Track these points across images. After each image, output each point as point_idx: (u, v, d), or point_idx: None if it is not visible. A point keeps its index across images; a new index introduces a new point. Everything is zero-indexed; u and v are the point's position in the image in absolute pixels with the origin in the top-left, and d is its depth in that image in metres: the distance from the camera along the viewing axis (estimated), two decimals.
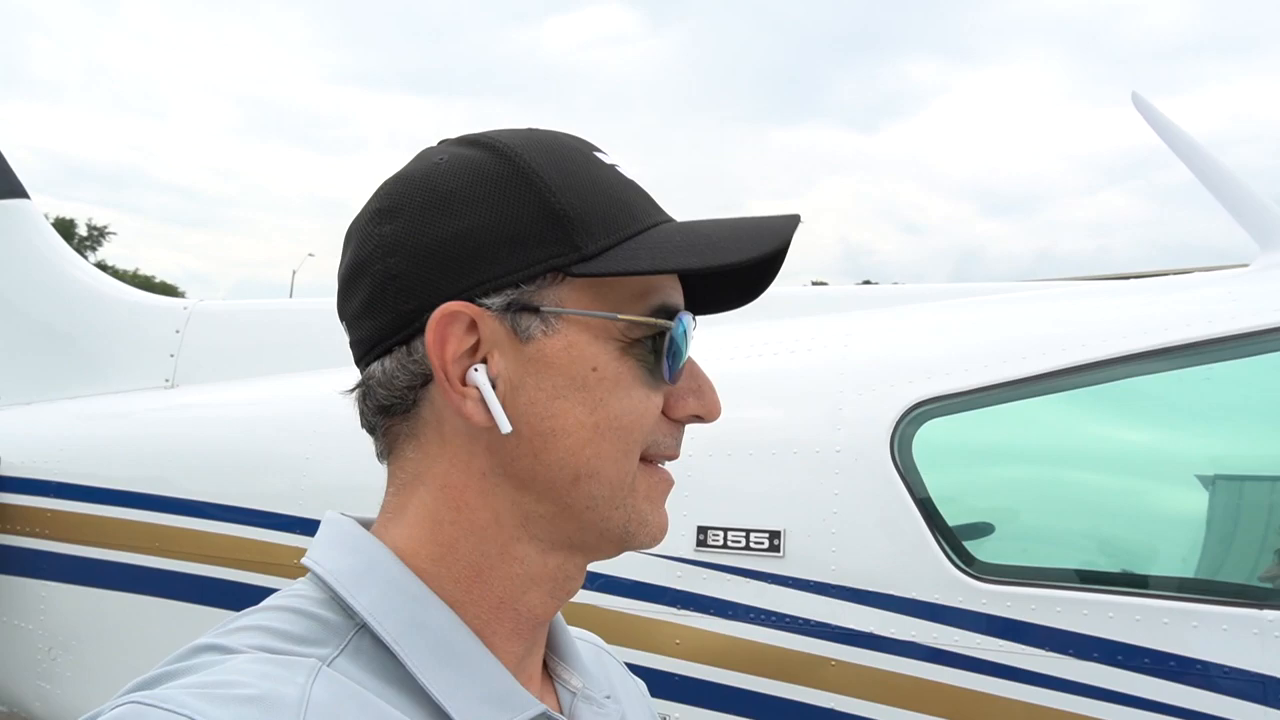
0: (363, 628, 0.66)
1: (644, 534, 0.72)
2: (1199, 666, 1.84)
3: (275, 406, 2.89)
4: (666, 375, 0.71)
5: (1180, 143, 2.51)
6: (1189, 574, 2.19)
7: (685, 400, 0.72)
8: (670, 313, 0.71)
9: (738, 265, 0.67)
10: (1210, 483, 2.23)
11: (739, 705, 2.11)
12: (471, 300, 0.67)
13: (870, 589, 2.05)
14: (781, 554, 2.14)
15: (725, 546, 2.17)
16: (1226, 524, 2.22)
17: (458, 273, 0.67)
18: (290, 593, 0.69)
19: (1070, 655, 1.90)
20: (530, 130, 0.74)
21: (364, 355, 0.72)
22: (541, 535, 0.70)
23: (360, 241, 0.71)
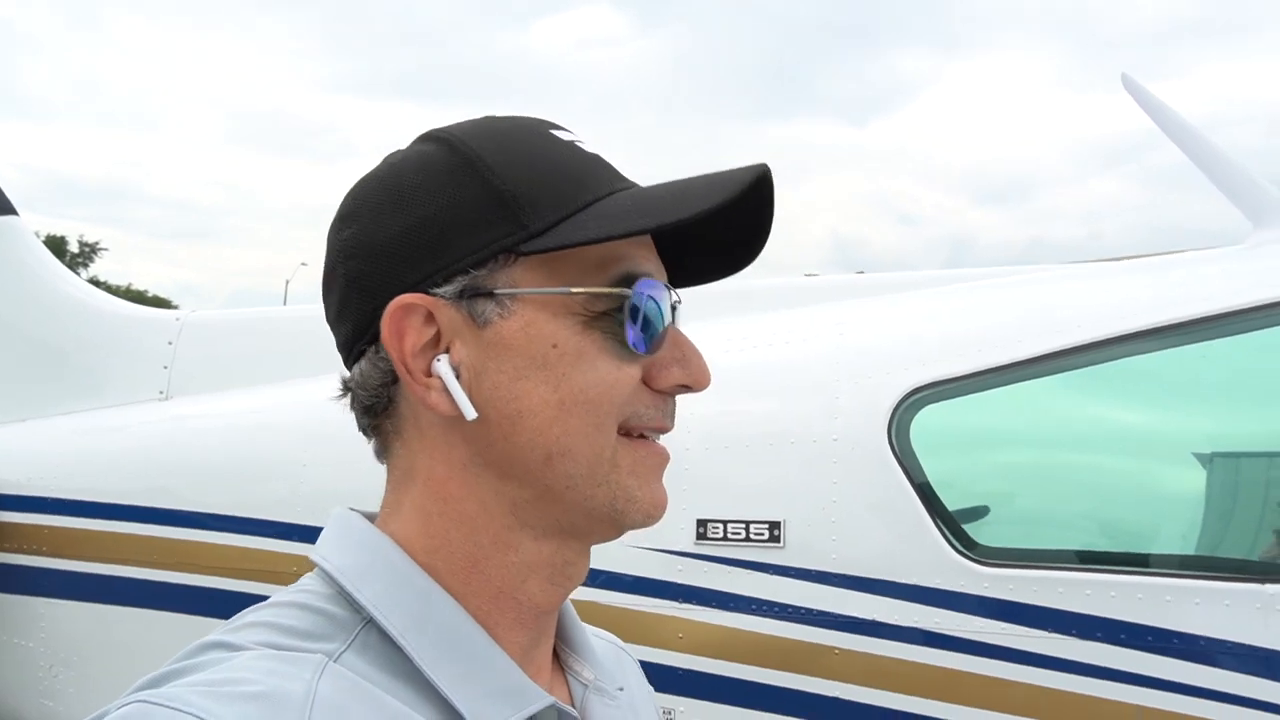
0: (369, 622, 0.65)
1: (634, 511, 0.69)
2: (1202, 643, 1.84)
3: (271, 414, 2.89)
4: (640, 345, 0.69)
5: (1171, 123, 2.51)
6: (1189, 551, 2.20)
7: (669, 370, 0.70)
8: (634, 281, 0.69)
9: (687, 221, 0.65)
10: (1208, 460, 2.23)
11: (744, 697, 2.11)
12: (425, 291, 0.68)
13: (872, 576, 2.05)
14: (782, 544, 2.14)
15: (725, 539, 2.17)
16: (1225, 500, 2.22)
17: (411, 266, 0.68)
18: (297, 588, 0.69)
19: (1074, 636, 1.90)
20: (487, 118, 0.75)
21: (345, 359, 0.74)
22: (532, 522, 0.70)
23: (328, 248, 0.73)
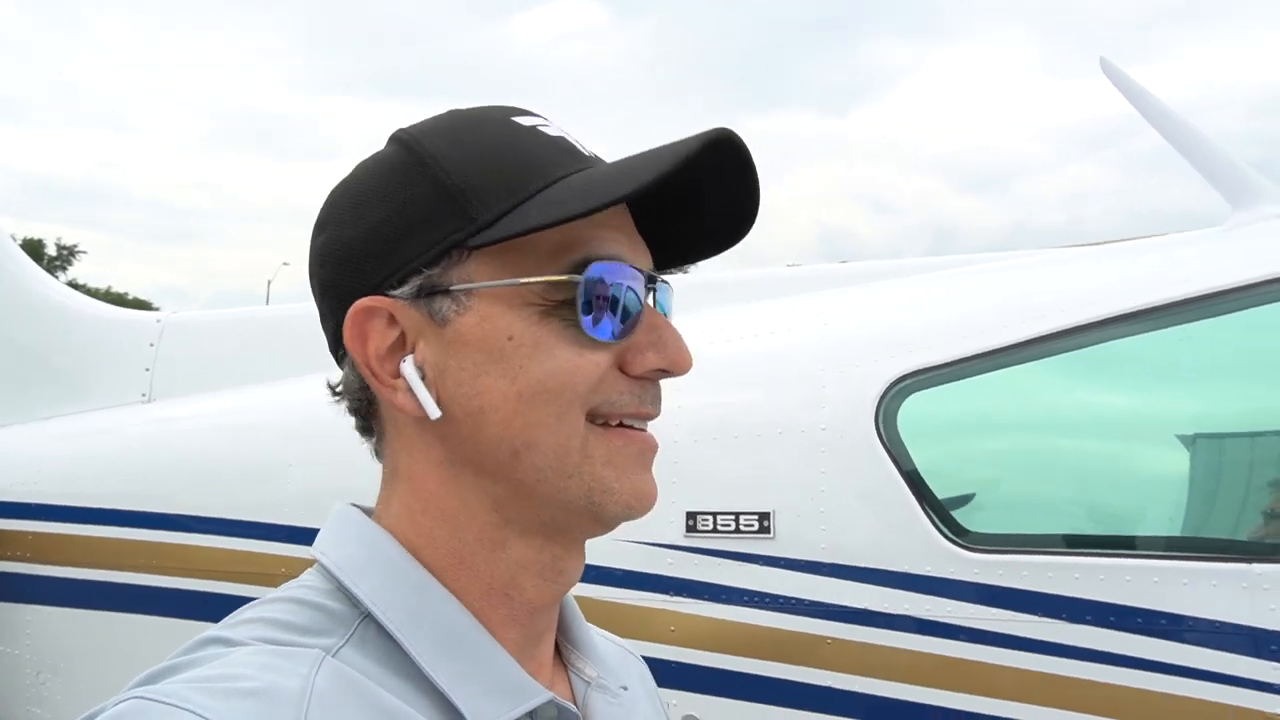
0: (367, 617, 0.66)
1: (611, 503, 0.68)
2: (1190, 623, 1.85)
3: (256, 414, 2.87)
4: (603, 332, 0.67)
5: (1149, 107, 2.52)
6: (1175, 532, 2.21)
7: (644, 354, 0.68)
8: (587, 266, 0.67)
9: (627, 197, 0.63)
10: (1191, 442, 2.25)
11: (736, 689, 2.11)
12: (384, 293, 0.68)
13: (862, 565, 2.06)
14: (772, 535, 2.14)
15: (715, 531, 2.17)
16: (1210, 481, 2.24)
17: (372, 270, 0.69)
18: (297, 583, 0.69)
19: (1063, 619, 1.91)
20: (449, 112, 0.74)
21: (337, 363, 0.75)
22: (514, 518, 0.69)
23: (308, 257, 0.75)
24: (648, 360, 0.68)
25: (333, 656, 0.62)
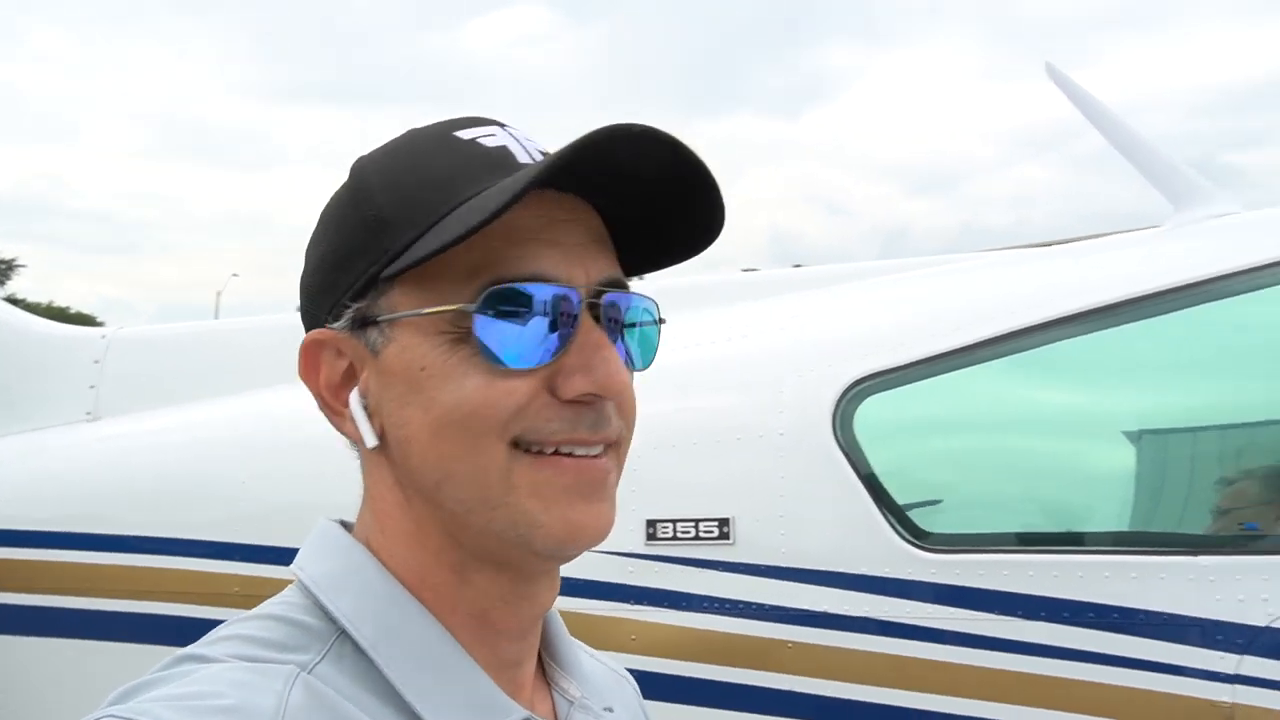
0: (344, 633, 0.65)
1: (539, 537, 0.65)
2: (1141, 616, 1.89)
3: (206, 431, 2.81)
4: (513, 358, 0.64)
5: (1094, 111, 2.58)
6: (1125, 527, 2.26)
7: (572, 378, 0.65)
8: (488, 288, 0.64)
9: (497, 214, 0.61)
10: (1137, 438, 2.30)
11: (699, 696, 2.11)
12: (329, 326, 0.70)
13: (822, 569, 2.07)
14: (732, 541, 2.14)
15: (675, 538, 2.17)
16: (1156, 476, 2.29)
17: (321, 302, 0.71)
18: (276, 600, 0.69)
19: (1019, 616, 1.94)
20: (406, 132, 0.74)
21: None
22: (465, 544, 0.69)
23: None
24: (575, 384, 0.65)
25: (308, 673, 0.61)
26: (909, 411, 2.28)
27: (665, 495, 2.21)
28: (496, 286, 0.64)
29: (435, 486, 0.67)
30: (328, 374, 0.71)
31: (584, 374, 0.65)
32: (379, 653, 0.64)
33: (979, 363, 2.17)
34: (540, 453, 0.66)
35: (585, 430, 0.67)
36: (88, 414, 3.14)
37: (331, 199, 0.73)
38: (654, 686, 2.15)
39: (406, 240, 0.65)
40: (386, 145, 0.73)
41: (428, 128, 0.72)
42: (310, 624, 0.66)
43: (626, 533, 2.19)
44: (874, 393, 2.16)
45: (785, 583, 2.09)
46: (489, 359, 0.65)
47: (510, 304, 0.64)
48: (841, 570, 2.05)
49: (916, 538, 2.04)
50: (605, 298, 0.68)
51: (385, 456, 0.69)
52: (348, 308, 0.69)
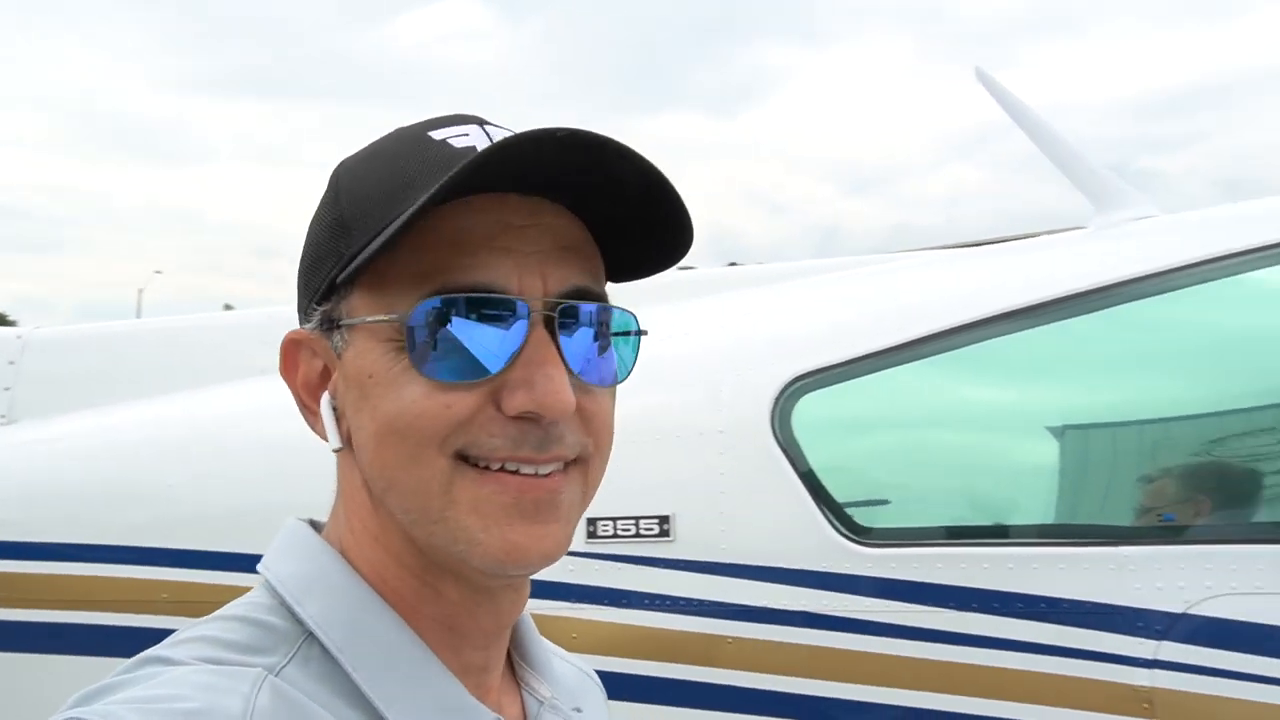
0: (311, 635, 0.65)
1: (477, 555, 0.63)
2: (1066, 605, 1.95)
3: (131, 434, 2.72)
4: (443, 371, 0.63)
5: (1020, 114, 2.65)
6: (1051, 520, 2.33)
7: (514, 394, 0.63)
8: (445, 292, 0.63)
9: (407, 223, 0.60)
10: (1061, 433, 2.37)
11: (640, 693, 2.12)
12: (304, 326, 0.71)
13: (762, 564, 2.09)
14: (672, 538, 2.16)
15: (616, 536, 2.17)
16: (1080, 470, 2.37)
17: (300, 303, 0.72)
18: (242, 600, 0.68)
19: (951, 608, 1.99)
20: (391, 131, 0.73)
21: None
22: (424, 549, 0.68)
23: None
24: (517, 401, 0.64)
25: (275, 676, 0.61)
26: (846, 409, 2.32)
27: (605, 493, 2.17)
28: (434, 297, 0.63)
29: (383, 494, 0.67)
30: (305, 373, 0.71)
31: (526, 391, 0.63)
32: (346, 656, 0.64)
33: (913, 360, 2.22)
34: (486, 468, 0.64)
35: (530, 449, 0.64)
36: (2, 417, 3.02)
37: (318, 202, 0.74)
38: None
39: (360, 244, 0.65)
40: (366, 147, 0.72)
41: (408, 128, 0.71)
42: (277, 625, 0.65)
43: None
44: (811, 390, 2.19)
45: (725, 579, 2.11)
46: (422, 370, 0.63)
47: (451, 315, 0.63)
48: (781, 566, 2.08)
49: (854, 533, 2.08)
50: (562, 309, 0.66)
51: (350, 458, 0.70)
52: (316, 310, 0.69)
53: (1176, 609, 1.89)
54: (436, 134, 0.68)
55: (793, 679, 2.03)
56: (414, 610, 0.68)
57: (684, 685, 2.09)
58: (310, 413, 0.71)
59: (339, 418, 0.69)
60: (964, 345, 2.22)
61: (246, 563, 2.60)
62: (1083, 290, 2.19)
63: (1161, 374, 2.34)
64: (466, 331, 0.63)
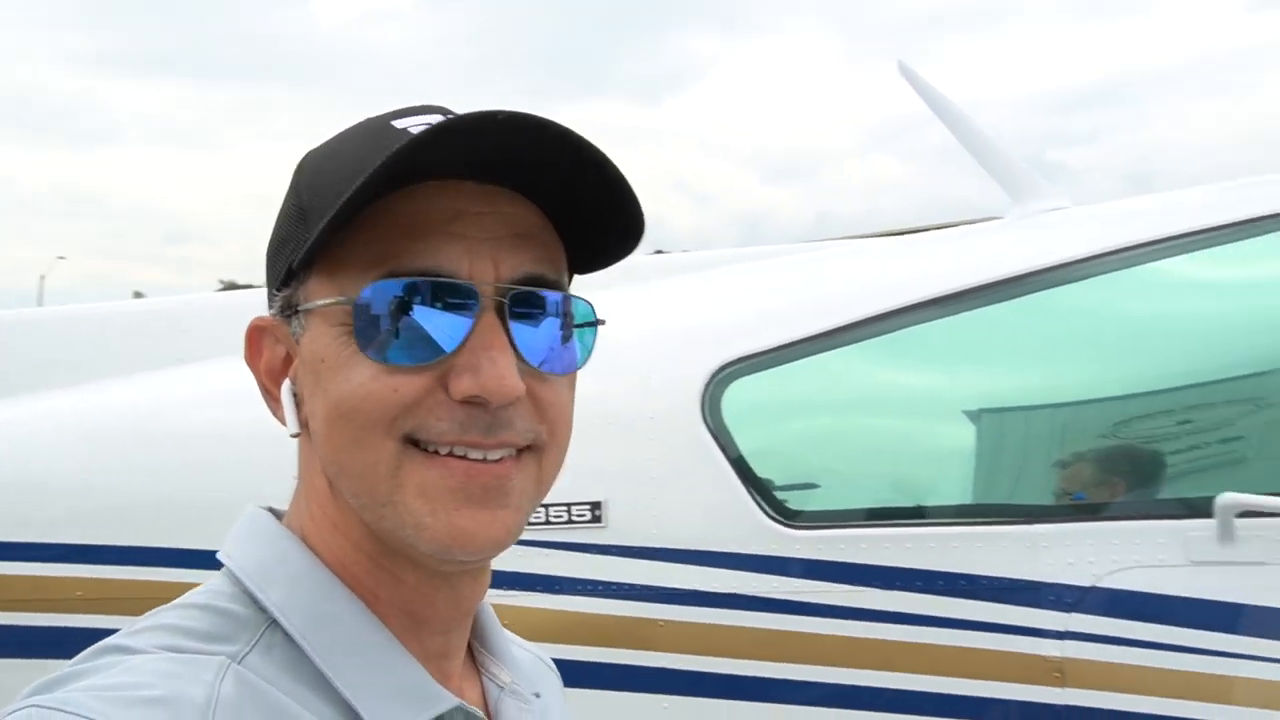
0: (274, 622, 0.64)
1: (424, 540, 0.63)
2: (984, 581, 2.03)
3: (40, 424, 2.61)
4: (391, 354, 0.63)
5: (941, 107, 2.73)
6: (969, 500, 2.42)
7: (461, 378, 0.64)
8: (394, 276, 0.64)
9: (343, 209, 0.61)
10: (978, 417, 2.46)
11: (573, 678, 2.12)
12: (269, 313, 0.71)
13: (692, 548, 2.13)
14: (604, 524, 2.17)
15: (548, 523, 2.18)
16: (995, 452, 2.46)
17: (268, 290, 0.72)
18: (203, 589, 0.67)
19: (876, 587, 2.05)
20: (361, 120, 0.73)
21: None
22: (376, 532, 0.68)
23: None
24: (463, 385, 0.64)
25: (238, 664, 0.60)
26: (774, 395, 2.36)
27: None
28: (382, 280, 0.64)
29: (335, 478, 0.68)
30: (268, 360, 0.72)
31: (472, 375, 0.64)
32: (310, 642, 0.64)
33: (838, 347, 2.27)
34: (435, 453, 0.65)
35: (478, 433, 0.64)
36: None
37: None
38: None
39: (315, 230, 0.65)
40: (332, 137, 0.73)
41: (374, 117, 0.71)
42: (238, 613, 0.65)
43: None
44: (740, 376, 2.23)
45: (657, 563, 2.14)
46: (369, 353, 0.64)
47: (400, 298, 0.63)
48: (711, 549, 2.12)
49: (782, 516, 2.12)
50: (514, 295, 0.66)
51: (310, 444, 0.70)
52: (277, 296, 0.70)
53: (1085, 583, 1.98)
54: (399, 123, 0.68)
55: (725, 660, 2.07)
56: (374, 596, 0.68)
57: (617, 669, 2.11)
58: (272, 399, 0.71)
59: (299, 404, 0.69)
60: (887, 332, 2.28)
61: (166, 558, 2.53)
62: (999, 279, 2.27)
63: (1073, 360, 2.44)
64: (414, 315, 0.63)
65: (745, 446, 2.17)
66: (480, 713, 0.70)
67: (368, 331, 0.63)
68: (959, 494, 2.43)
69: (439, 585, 0.70)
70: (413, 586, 0.69)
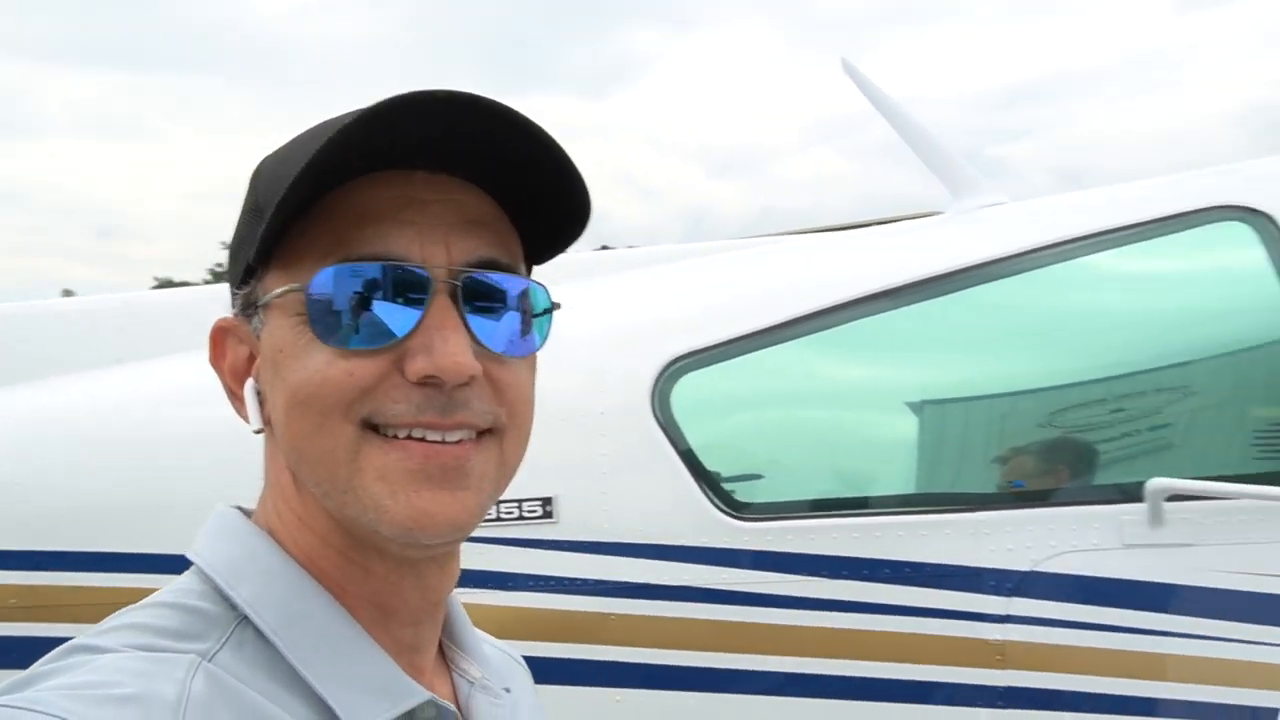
0: (245, 619, 0.64)
1: (385, 523, 0.64)
2: (928, 569, 2.08)
3: None
4: (343, 339, 0.64)
5: (884, 104, 2.77)
6: (913, 490, 2.47)
7: (415, 359, 0.64)
8: (351, 261, 0.64)
9: (287, 198, 0.62)
10: (920, 408, 2.51)
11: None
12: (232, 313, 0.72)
13: (644, 542, 2.14)
14: (555, 519, 2.18)
15: (499, 519, 2.18)
16: (937, 442, 2.52)
17: (231, 291, 0.73)
18: (170, 588, 0.67)
19: (824, 576, 2.09)
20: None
21: None
22: (339, 520, 0.69)
23: None
24: (417, 365, 0.64)
25: (209, 661, 0.60)
26: (723, 389, 2.39)
27: None
28: (333, 266, 0.65)
29: (296, 467, 0.68)
30: (232, 360, 0.72)
31: (425, 355, 0.64)
32: (281, 638, 0.64)
33: (785, 341, 2.30)
34: (394, 437, 0.65)
35: (434, 413, 0.65)
36: None
37: None
38: None
39: (265, 225, 0.66)
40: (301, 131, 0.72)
41: (345, 114, 0.70)
42: (208, 610, 0.64)
43: None
44: (690, 371, 2.25)
45: (608, 558, 2.15)
46: (324, 339, 0.65)
47: (352, 282, 0.64)
48: (663, 542, 2.13)
49: (732, 508, 2.15)
50: (467, 278, 0.66)
51: (275, 441, 0.71)
52: (237, 295, 0.71)
53: (1025, 567, 2.04)
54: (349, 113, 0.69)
55: (677, 652, 2.09)
56: (343, 589, 0.69)
57: (570, 664, 2.12)
58: (237, 399, 0.72)
59: (262, 402, 0.70)
60: (831, 326, 2.32)
61: (104, 563, 2.47)
62: (940, 274, 2.32)
63: (1012, 352, 2.51)
64: (367, 299, 0.64)
65: (695, 440, 2.19)
66: (452, 706, 0.70)
67: (322, 318, 0.64)
68: (903, 484, 2.49)
69: (406, 574, 0.70)
70: (381, 577, 0.69)
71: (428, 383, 0.64)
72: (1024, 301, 2.44)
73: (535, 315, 0.72)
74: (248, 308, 0.70)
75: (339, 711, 0.63)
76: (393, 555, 0.68)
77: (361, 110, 0.62)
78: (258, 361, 0.70)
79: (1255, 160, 2.59)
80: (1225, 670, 1.93)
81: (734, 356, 2.29)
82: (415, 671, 0.71)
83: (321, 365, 0.64)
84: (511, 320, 0.69)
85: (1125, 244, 2.34)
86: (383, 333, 0.64)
